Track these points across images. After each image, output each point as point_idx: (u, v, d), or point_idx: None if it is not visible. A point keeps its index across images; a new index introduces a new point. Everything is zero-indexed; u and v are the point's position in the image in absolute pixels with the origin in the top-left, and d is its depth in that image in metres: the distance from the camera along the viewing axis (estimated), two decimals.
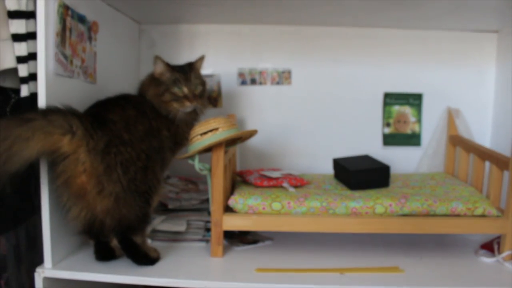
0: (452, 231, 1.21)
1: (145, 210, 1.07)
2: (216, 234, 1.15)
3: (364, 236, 1.32)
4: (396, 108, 1.66)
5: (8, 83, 1.10)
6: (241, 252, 1.21)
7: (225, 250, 1.20)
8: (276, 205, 1.17)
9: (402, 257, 1.18)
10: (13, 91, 1.12)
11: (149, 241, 1.19)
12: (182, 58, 1.61)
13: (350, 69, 1.64)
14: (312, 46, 1.64)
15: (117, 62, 1.43)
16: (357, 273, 1.08)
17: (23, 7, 1.05)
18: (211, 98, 1.64)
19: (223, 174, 1.13)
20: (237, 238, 1.29)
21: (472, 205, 1.16)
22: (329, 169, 1.47)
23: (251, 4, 1.35)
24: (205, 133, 1.13)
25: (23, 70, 1.06)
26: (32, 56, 1.06)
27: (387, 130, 1.66)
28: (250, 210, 1.17)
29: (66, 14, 1.06)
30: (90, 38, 1.20)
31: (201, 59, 1.27)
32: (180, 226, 1.28)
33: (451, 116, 1.58)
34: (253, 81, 1.65)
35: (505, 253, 1.14)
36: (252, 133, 1.25)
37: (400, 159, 1.63)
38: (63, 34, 1.05)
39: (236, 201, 1.17)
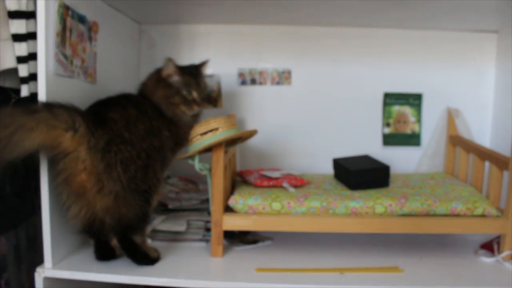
0: (452, 231, 1.21)
1: (145, 209, 1.07)
2: (216, 234, 1.15)
3: (364, 236, 1.32)
4: (396, 108, 1.66)
5: (8, 83, 1.10)
6: (241, 252, 1.21)
7: (225, 250, 1.20)
8: (276, 205, 1.17)
9: (402, 257, 1.18)
10: (13, 91, 1.12)
11: (149, 241, 1.19)
12: (182, 58, 1.62)
13: (350, 69, 1.64)
14: (312, 46, 1.64)
15: (117, 62, 1.43)
16: (357, 273, 1.08)
17: (23, 7, 1.05)
18: (211, 98, 1.64)
19: (223, 174, 1.13)
20: (237, 238, 1.29)
21: (472, 205, 1.16)
22: (329, 169, 1.47)
23: (251, 4, 1.35)
24: (205, 133, 1.13)
25: (23, 70, 1.06)
26: (32, 56, 1.06)
27: (387, 130, 1.66)
28: (250, 210, 1.17)
29: (66, 14, 1.06)
30: (90, 38, 1.20)
31: (206, 63, 1.29)
32: (180, 226, 1.28)
33: (451, 116, 1.58)
34: (253, 81, 1.65)
35: (505, 253, 1.14)
36: (252, 133, 1.25)
37: (400, 159, 1.63)
38: (63, 34, 1.05)
39: (236, 201, 1.17)
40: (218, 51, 1.64)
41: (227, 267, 1.11)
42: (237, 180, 1.39)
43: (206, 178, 1.22)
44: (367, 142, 1.65)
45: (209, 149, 1.14)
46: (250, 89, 1.66)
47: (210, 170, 1.16)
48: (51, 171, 1.00)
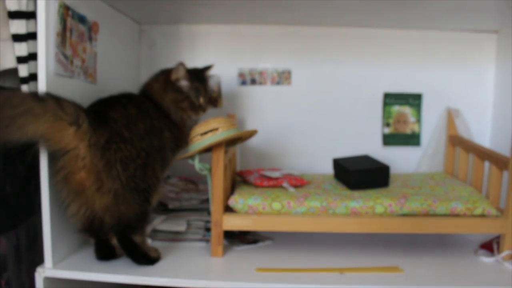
0: (452, 231, 1.21)
1: (144, 208, 1.07)
2: (216, 234, 1.15)
3: (364, 236, 1.32)
4: (395, 108, 1.66)
5: (8, 83, 1.11)
6: (241, 252, 1.21)
7: (225, 250, 1.20)
8: (276, 205, 1.17)
9: (401, 257, 1.18)
10: None
11: (149, 241, 1.19)
12: (182, 58, 1.61)
13: (350, 69, 1.64)
14: (312, 46, 1.64)
15: (118, 62, 1.44)
16: (357, 272, 1.08)
17: (23, 7, 1.05)
18: (212, 98, 1.64)
19: (223, 174, 1.13)
20: (237, 238, 1.29)
21: (472, 205, 1.16)
22: (329, 169, 1.47)
23: (251, 4, 1.35)
24: (205, 133, 1.13)
25: (23, 70, 1.06)
26: (32, 56, 1.06)
27: (387, 130, 1.67)
28: (250, 210, 1.17)
29: (66, 14, 1.06)
30: (90, 38, 1.20)
31: (210, 67, 1.32)
32: (180, 226, 1.28)
33: (451, 116, 1.58)
34: (253, 81, 1.66)
35: (505, 253, 1.14)
36: (252, 133, 1.25)
37: (399, 159, 1.63)
38: (63, 34, 1.05)
39: (236, 201, 1.17)
40: (218, 51, 1.64)
41: (227, 267, 1.11)
42: (237, 180, 1.39)
43: (206, 178, 1.22)
44: (367, 142, 1.66)
45: (209, 149, 1.14)
46: (250, 89, 1.66)
47: (210, 170, 1.16)
48: (50, 169, 1.00)
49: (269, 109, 1.66)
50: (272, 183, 1.27)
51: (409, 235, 1.31)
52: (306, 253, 1.21)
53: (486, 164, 1.29)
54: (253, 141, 1.51)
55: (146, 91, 1.23)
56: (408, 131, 1.67)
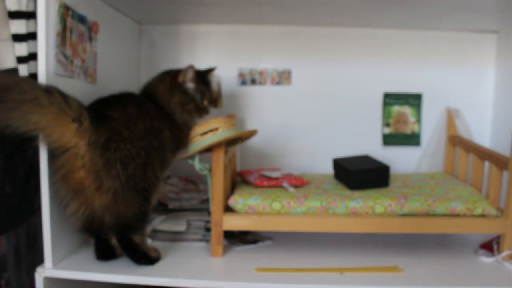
0: (452, 231, 1.21)
1: (144, 207, 1.07)
2: (216, 234, 1.15)
3: (364, 236, 1.32)
4: (395, 108, 1.66)
5: None
6: (241, 252, 1.21)
7: (225, 250, 1.20)
8: (276, 205, 1.17)
9: (401, 257, 1.18)
10: None
11: (149, 241, 1.20)
12: (182, 58, 1.62)
13: (350, 69, 1.64)
14: (312, 46, 1.64)
15: (118, 62, 1.44)
16: (357, 272, 1.08)
17: (23, 7, 1.05)
18: (212, 99, 1.64)
19: (223, 174, 1.13)
20: (237, 238, 1.29)
21: (472, 205, 1.16)
22: (329, 169, 1.47)
23: (251, 4, 1.35)
24: (205, 133, 1.13)
25: (23, 70, 1.06)
26: (32, 56, 1.06)
27: (387, 130, 1.67)
28: (250, 210, 1.17)
29: (66, 14, 1.06)
30: (90, 38, 1.20)
31: (213, 70, 1.33)
32: (180, 226, 1.28)
33: (451, 116, 1.58)
34: (253, 81, 1.66)
35: (505, 253, 1.14)
36: (252, 133, 1.25)
37: (399, 159, 1.63)
38: (63, 34, 1.05)
39: (236, 201, 1.17)
40: (218, 51, 1.64)
41: (227, 267, 1.11)
42: (237, 180, 1.39)
43: (206, 178, 1.22)
44: (367, 142, 1.66)
45: (209, 149, 1.14)
46: (250, 89, 1.66)
47: (210, 170, 1.16)
48: (49, 167, 1.00)
49: (269, 109, 1.66)
50: (272, 183, 1.27)
51: (409, 235, 1.32)
52: (306, 253, 1.21)
53: (486, 164, 1.29)
54: (253, 141, 1.51)
55: (149, 92, 1.23)
56: (408, 131, 1.67)
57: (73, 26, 1.10)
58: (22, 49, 1.06)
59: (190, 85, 1.22)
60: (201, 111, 1.25)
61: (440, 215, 1.17)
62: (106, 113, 1.05)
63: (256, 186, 1.28)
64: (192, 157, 1.17)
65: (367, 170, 1.31)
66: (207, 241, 1.25)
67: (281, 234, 1.31)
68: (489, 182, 1.23)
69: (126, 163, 1.03)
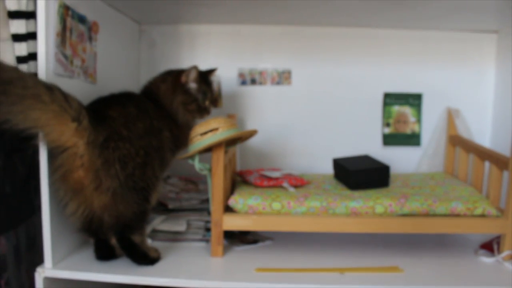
0: (452, 231, 1.21)
1: (143, 207, 1.07)
2: (216, 234, 1.15)
3: (364, 236, 1.32)
4: (396, 108, 1.66)
5: None
6: (241, 252, 1.21)
7: (225, 250, 1.20)
8: (276, 205, 1.17)
9: (401, 257, 1.18)
10: None
11: (149, 241, 1.19)
12: (182, 58, 1.62)
13: (350, 69, 1.64)
14: (312, 46, 1.64)
15: (117, 62, 1.43)
16: (357, 273, 1.08)
17: (23, 7, 1.05)
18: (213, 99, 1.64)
19: (223, 174, 1.13)
20: (237, 238, 1.29)
21: (472, 205, 1.16)
22: (329, 169, 1.47)
23: (251, 4, 1.35)
24: (205, 133, 1.13)
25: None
26: (32, 56, 1.06)
27: (387, 130, 1.67)
28: (250, 210, 1.17)
29: (66, 14, 1.06)
30: (90, 38, 1.20)
31: (214, 71, 1.34)
32: (180, 226, 1.28)
33: (451, 116, 1.58)
34: (253, 81, 1.66)
35: (505, 253, 1.14)
36: (252, 133, 1.25)
37: (400, 159, 1.63)
38: (63, 34, 1.05)
39: (236, 201, 1.17)
40: (218, 51, 1.64)
41: (227, 267, 1.11)
42: (237, 180, 1.39)
43: (206, 178, 1.22)
44: (367, 142, 1.66)
45: (209, 149, 1.14)
46: (250, 89, 1.66)
47: (210, 170, 1.16)
48: (48, 167, 1.00)
49: (269, 109, 1.66)
50: (272, 183, 1.27)
51: (409, 235, 1.32)
52: (306, 253, 1.20)
53: (486, 164, 1.29)
54: (253, 141, 1.51)
55: (151, 91, 1.23)
56: (408, 131, 1.66)
57: (73, 26, 1.10)
58: (22, 49, 1.06)
59: (193, 86, 1.23)
60: (203, 111, 1.26)
61: (440, 215, 1.17)
62: (105, 112, 1.05)
63: (256, 186, 1.28)
64: (192, 157, 1.17)
65: (367, 170, 1.31)
66: (207, 241, 1.25)
67: (281, 234, 1.31)
68: (489, 182, 1.23)
69: (125, 163, 1.03)
